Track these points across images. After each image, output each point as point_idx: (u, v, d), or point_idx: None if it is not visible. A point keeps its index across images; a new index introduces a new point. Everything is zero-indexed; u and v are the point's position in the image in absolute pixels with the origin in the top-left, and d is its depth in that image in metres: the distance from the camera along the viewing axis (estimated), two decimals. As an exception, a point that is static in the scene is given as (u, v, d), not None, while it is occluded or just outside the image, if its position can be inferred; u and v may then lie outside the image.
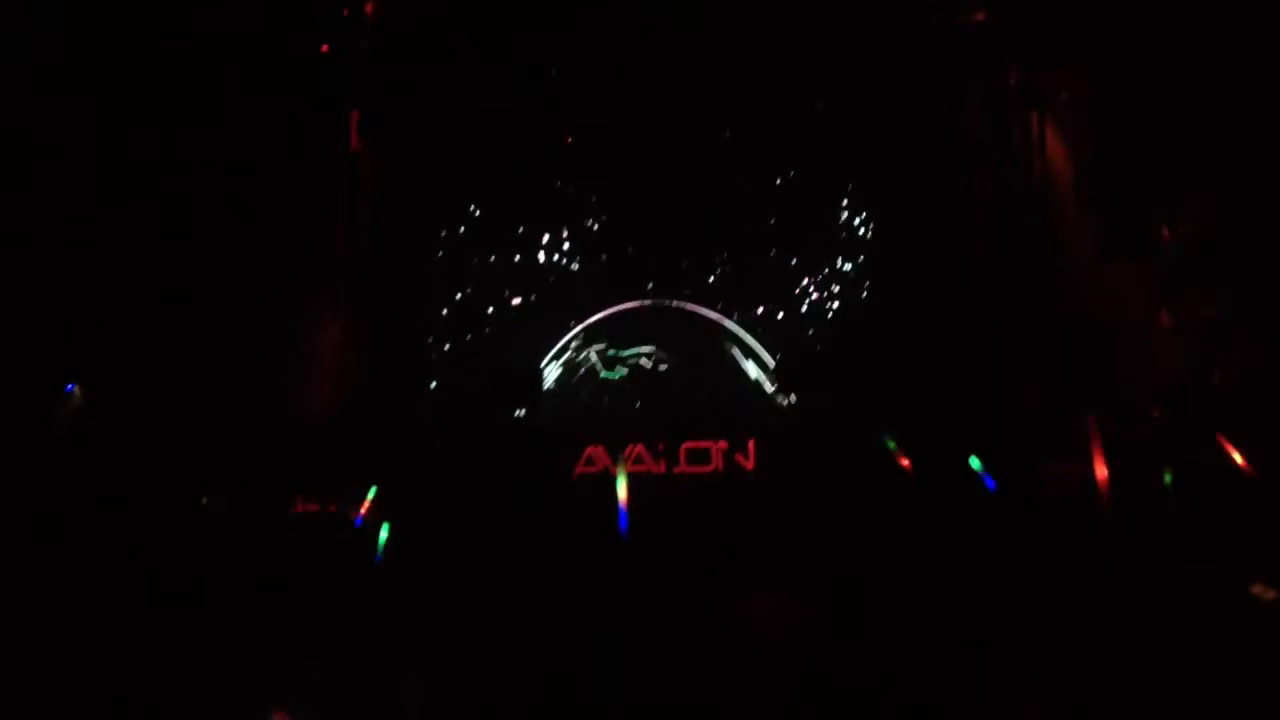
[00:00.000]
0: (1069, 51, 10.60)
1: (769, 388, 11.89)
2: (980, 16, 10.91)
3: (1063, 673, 6.42)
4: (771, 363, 11.94)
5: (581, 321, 12.24)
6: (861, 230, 12.25)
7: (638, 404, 12.05)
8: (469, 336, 12.22)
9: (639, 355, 12.23)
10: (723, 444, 10.65)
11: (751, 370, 12.07)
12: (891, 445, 9.89)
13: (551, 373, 12.15)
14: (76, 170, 9.60)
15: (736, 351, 12.14)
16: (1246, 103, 9.08)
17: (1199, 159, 9.44)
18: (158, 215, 10.01)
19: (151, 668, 7.04)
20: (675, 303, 12.12)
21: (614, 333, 12.20)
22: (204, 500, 9.25)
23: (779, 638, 7.21)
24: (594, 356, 12.22)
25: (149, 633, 7.41)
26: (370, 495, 9.62)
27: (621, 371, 12.14)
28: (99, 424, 9.39)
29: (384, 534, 9.22)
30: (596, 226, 12.41)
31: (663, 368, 12.19)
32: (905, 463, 9.77)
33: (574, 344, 12.25)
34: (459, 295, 12.28)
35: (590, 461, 10.63)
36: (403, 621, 8.00)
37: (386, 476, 9.78)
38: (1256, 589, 6.12)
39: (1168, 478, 8.16)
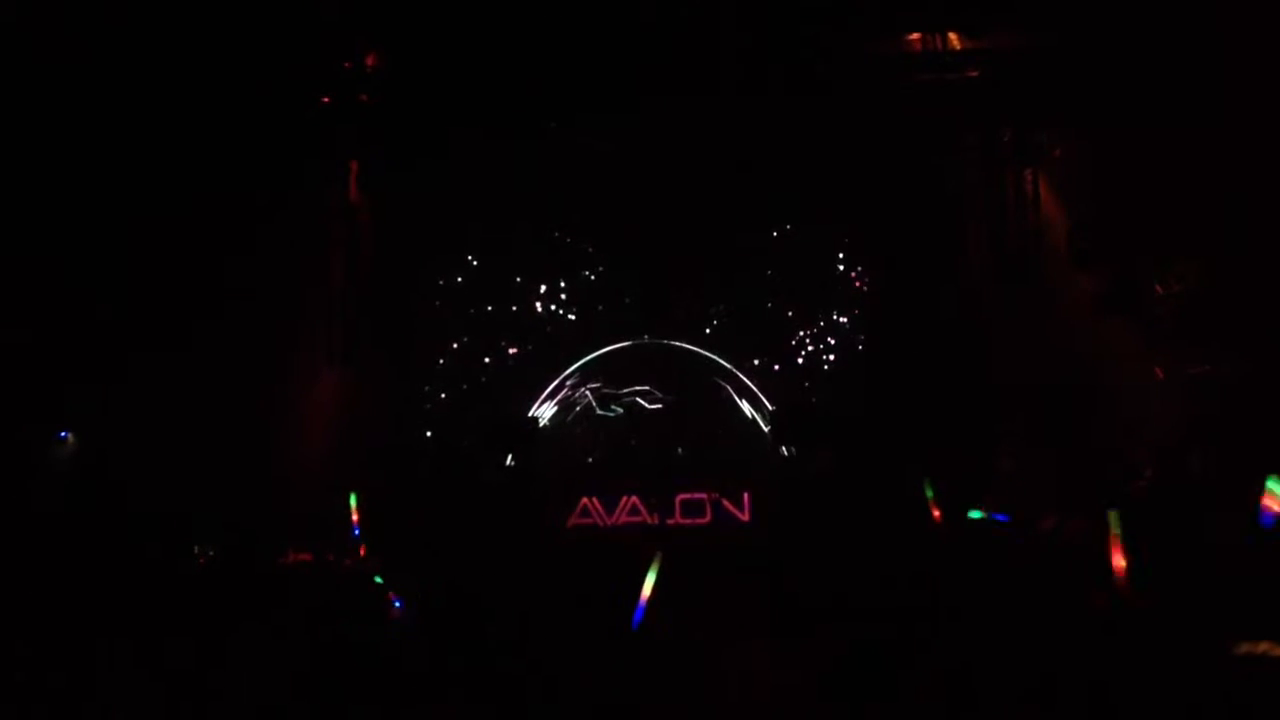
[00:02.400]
0: (1062, 110, 10.68)
1: (765, 427, 11.87)
2: (974, 74, 11.00)
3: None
4: (766, 403, 11.94)
5: (578, 370, 12.27)
6: (858, 284, 12.31)
7: (632, 442, 12.00)
8: (465, 386, 12.26)
9: (634, 393, 12.23)
10: (716, 497, 10.64)
11: (747, 409, 12.06)
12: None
13: (547, 411, 12.15)
14: (76, 216, 9.65)
15: (731, 391, 12.14)
16: (1237, 162, 9.13)
17: (1191, 216, 9.49)
18: (157, 267, 10.06)
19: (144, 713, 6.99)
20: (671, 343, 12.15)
21: (610, 372, 12.21)
22: (196, 549, 9.22)
23: (776, 694, 7.17)
24: (589, 395, 12.24)
25: (142, 677, 7.36)
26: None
27: (617, 410, 12.14)
28: (91, 470, 9.39)
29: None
30: (593, 277, 12.47)
31: (658, 406, 12.18)
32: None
33: (570, 382, 12.26)
34: (456, 345, 12.32)
35: (585, 513, 10.63)
36: (398, 668, 7.95)
37: (381, 526, 9.75)
38: (1264, 647, 6.08)
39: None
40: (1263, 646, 6.12)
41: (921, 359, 11.32)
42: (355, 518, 9.68)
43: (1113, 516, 7.57)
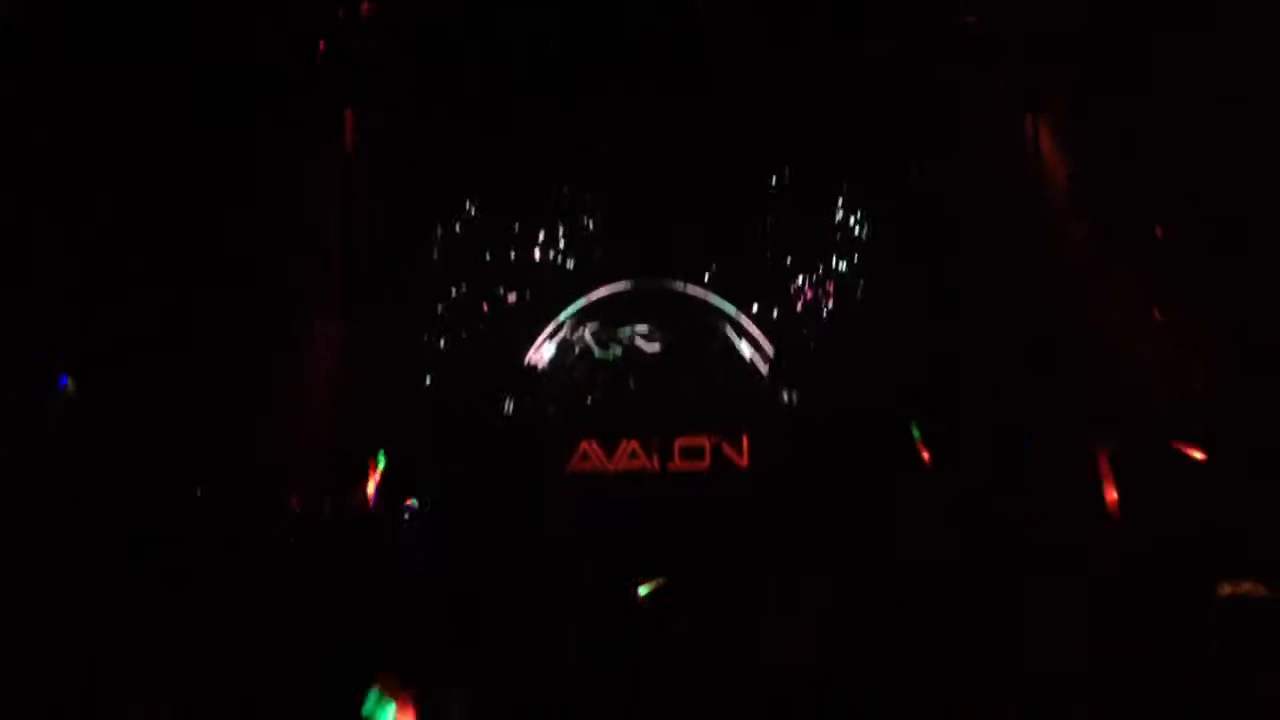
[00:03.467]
0: (1063, 54, 10.62)
1: (763, 369, 11.85)
2: (973, 20, 10.94)
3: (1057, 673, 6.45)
4: (767, 345, 11.92)
5: (577, 311, 12.25)
6: (857, 230, 12.28)
7: (631, 384, 11.98)
8: (464, 333, 12.25)
9: (633, 335, 12.21)
10: (716, 440, 10.66)
11: (746, 351, 12.05)
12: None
13: (546, 353, 12.12)
14: (76, 168, 9.60)
15: (731, 332, 12.13)
16: (1239, 104, 9.10)
17: (1192, 159, 9.46)
18: (156, 214, 10.02)
19: (145, 658, 7.03)
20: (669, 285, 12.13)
21: (608, 313, 12.19)
22: (198, 493, 9.24)
23: (780, 635, 7.21)
24: (588, 336, 12.22)
25: (144, 623, 7.40)
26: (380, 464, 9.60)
27: (616, 351, 12.12)
28: (93, 417, 9.39)
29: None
30: (592, 224, 12.45)
31: (656, 348, 12.16)
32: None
33: (568, 323, 12.24)
34: (454, 292, 12.30)
35: (585, 457, 10.65)
36: (398, 617, 8.00)
37: (382, 473, 9.77)
38: (1248, 586, 6.11)
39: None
40: (1246, 586, 6.15)
41: (920, 305, 11.31)
42: (376, 478, 9.68)
43: None
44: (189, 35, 10.02)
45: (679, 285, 12.15)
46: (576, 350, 12.10)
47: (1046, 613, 7.16)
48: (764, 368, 11.91)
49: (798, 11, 10.87)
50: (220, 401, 9.89)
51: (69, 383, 9.74)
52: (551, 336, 12.13)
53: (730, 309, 12.10)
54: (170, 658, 6.96)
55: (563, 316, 12.12)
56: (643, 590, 7.34)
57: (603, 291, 12.19)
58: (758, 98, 11.62)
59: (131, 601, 7.54)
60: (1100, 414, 9.24)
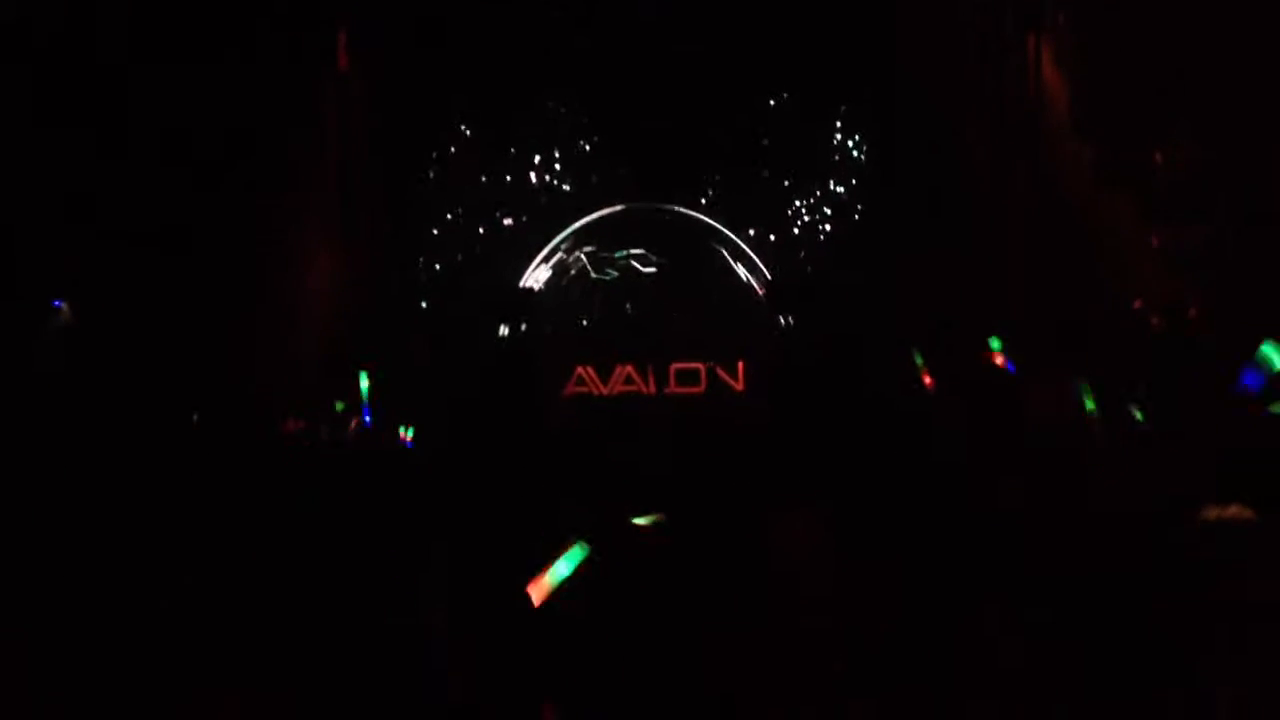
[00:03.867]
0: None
1: (760, 293, 11.81)
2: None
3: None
4: (764, 269, 11.87)
5: (572, 235, 12.20)
6: (856, 153, 12.19)
7: (628, 307, 11.95)
8: (460, 257, 12.21)
9: (629, 257, 12.17)
10: (712, 365, 10.66)
11: (743, 274, 12.01)
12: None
13: (541, 275, 12.08)
14: (67, 93, 9.51)
15: (728, 256, 12.08)
16: (1242, 28, 8.98)
17: (1195, 85, 9.36)
18: (149, 137, 9.93)
19: (140, 589, 7.06)
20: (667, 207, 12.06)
21: (605, 236, 12.14)
22: (194, 417, 9.26)
23: (778, 560, 7.24)
24: (584, 258, 12.17)
25: (139, 553, 7.43)
26: (364, 385, 9.62)
27: (612, 273, 12.08)
28: (88, 341, 9.39)
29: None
30: (588, 148, 12.35)
31: (653, 271, 12.11)
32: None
33: (564, 246, 12.19)
34: (450, 216, 12.25)
35: (580, 381, 10.66)
36: (395, 546, 8.03)
37: (378, 394, 9.80)
38: (1233, 511, 6.12)
39: (1139, 414, 8.17)
40: (1231, 510, 6.17)
41: (919, 230, 11.25)
42: (365, 398, 9.71)
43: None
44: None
45: (676, 208, 12.05)
46: (572, 273, 12.04)
47: (1044, 532, 7.19)
48: (761, 292, 11.85)
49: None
50: (215, 326, 9.88)
51: (64, 306, 9.73)
52: (547, 260, 12.07)
53: (727, 232, 12.02)
54: (173, 588, 7.00)
55: (558, 240, 12.04)
56: (640, 521, 7.36)
57: (599, 214, 12.09)
58: (756, 17, 11.49)
59: (131, 530, 7.57)
60: (1097, 343, 9.24)
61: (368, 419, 9.79)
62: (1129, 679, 5.70)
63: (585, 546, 6.18)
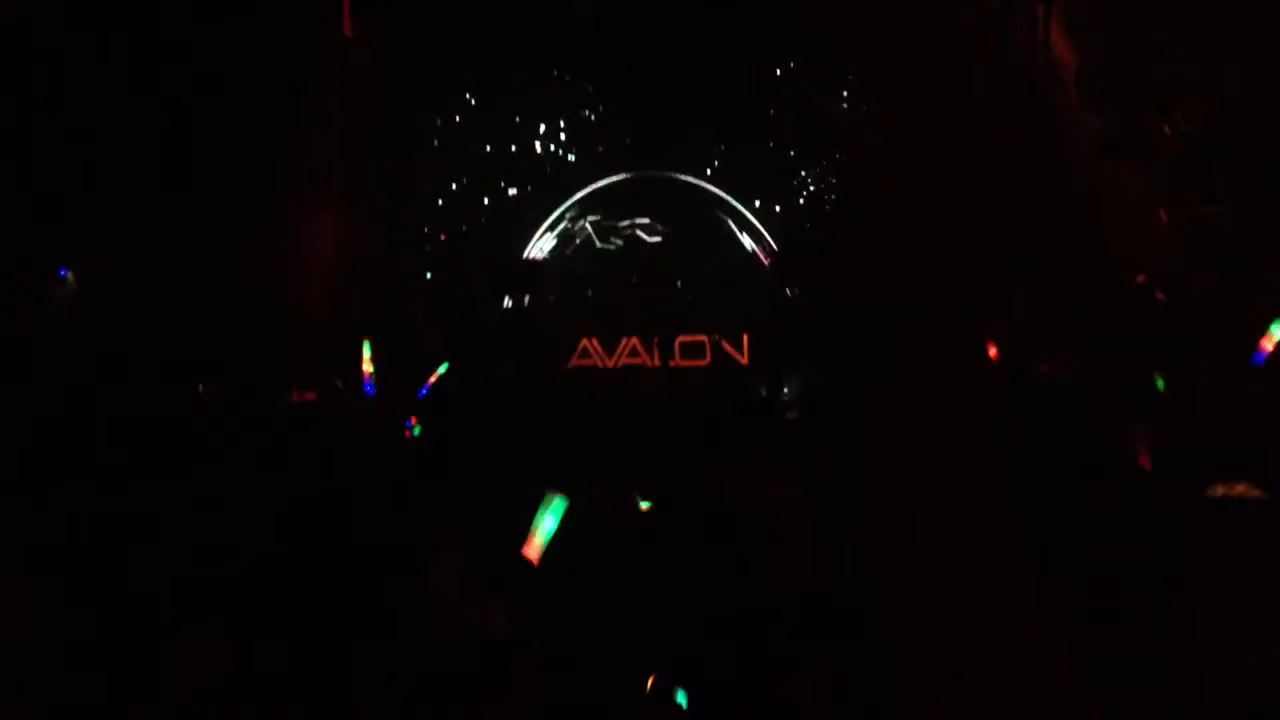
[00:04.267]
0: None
1: (766, 264, 11.76)
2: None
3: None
4: (770, 241, 11.80)
5: (577, 203, 12.15)
6: (864, 123, 12.09)
7: (633, 279, 11.91)
8: (464, 227, 12.17)
9: (634, 226, 12.12)
10: (717, 338, 10.64)
11: (748, 243, 11.96)
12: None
13: (545, 244, 12.04)
14: (68, 60, 9.44)
15: (734, 226, 12.03)
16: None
17: (1201, 57, 9.32)
18: (149, 104, 9.88)
19: (146, 561, 7.07)
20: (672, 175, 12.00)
21: (609, 206, 12.09)
22: (201, 388, 9.26)
23: (780, 535, 7.25)
24: (589, 227, 12.12)
25: (145, 524, 7.43)
26: (366, 353, 9.61)
27: (617, 243, 12.04)
28: (92, 310, 9.37)
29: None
30: (593, 116, 12.28)
31: (658, 240, 12.06)
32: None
33: (569, 215, 12.14)
34: (454, 185, 12.19)
35: (585, 354, 10.65)
36: (400, 511, 8.05)
37: (381, 364, 9.79)
38: (1240, 489, 6.14)
39: (1160, 383, 8.16)
40: (1239, 488, 6.18)
41: (926, 200, 11.18)
42: (368, 369, 9.70)
43: None
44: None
45: (681, 177, 11.98)
46: (577, 243, 11.99)
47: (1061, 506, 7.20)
48: (767, 262, 11.80)
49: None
50: (215, 294, 9.86)
51: (69, 274, 9.71)
52: (551, 229, 12.02)
53: (733, 201, 11.95)
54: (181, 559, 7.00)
55: (563, 209, 11.99)
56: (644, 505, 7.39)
57: (603, 183, 12.02)
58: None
59: (139, 498, 7.58)
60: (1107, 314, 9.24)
61: (370, 390, 9.79)
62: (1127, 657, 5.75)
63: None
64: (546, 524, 6.33)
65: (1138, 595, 6.13)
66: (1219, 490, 6.32)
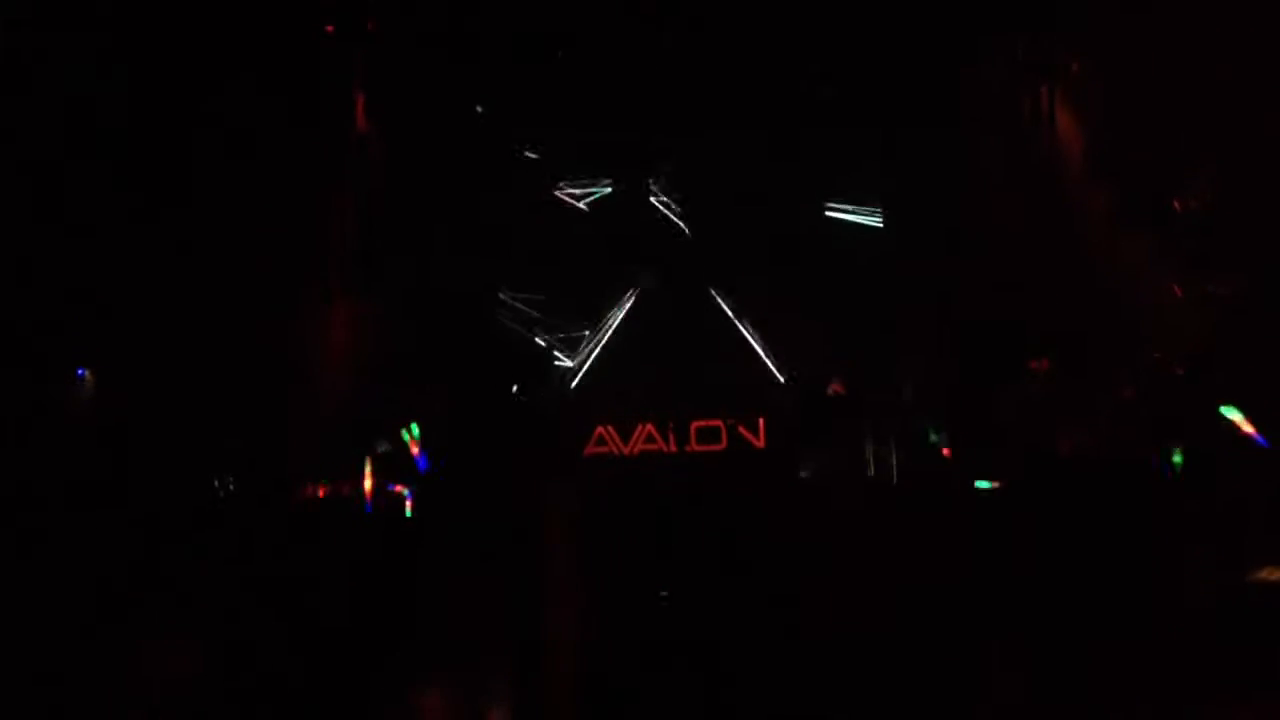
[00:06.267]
0: (1079, 23, 10.52)
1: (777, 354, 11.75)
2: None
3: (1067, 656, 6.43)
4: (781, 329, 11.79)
5: (591, 304, 12.21)
6: (869, 218, 12.07)
7: (647, 368, 11.88)
8: (480, 317, 12.19)
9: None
10: (733, 422, 10.60)
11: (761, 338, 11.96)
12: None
13: (561, 339, 12.05)
14: (86, 159, 9.61)
15: (747, 324, 12.04)
16: (1259, 76, 9.00)
17: (1211, 132, 9.37)
18: (165, 202, 10.03)
19: (159, 651, 7.07)
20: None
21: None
22: (216, 484, 9.28)
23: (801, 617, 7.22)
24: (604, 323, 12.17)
25: (160, 616, 7.44)
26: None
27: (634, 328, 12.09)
28: (109, 409, 9.43)
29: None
30: (605, 221, 12.32)
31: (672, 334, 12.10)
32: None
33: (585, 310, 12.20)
34: (469, 278, 12.25)
35: (601, 441, 10.62)
36: (418, 603, 8.02)
37: (394, 459, 9.81)
38: (1267, 573, 6.06)
39: (1178, 457, 8.12)
40: (1265, 572, 6.11)
41: (936, 284, 11.19)
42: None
43: None
44: (194, 17, 10.01)
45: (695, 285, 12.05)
46: (589, 338, 12.05)
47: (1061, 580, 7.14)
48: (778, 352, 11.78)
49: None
50: (229, 390, 9.92)
51: (86, 374, 9.79)
52: (567, 322, 12.08)
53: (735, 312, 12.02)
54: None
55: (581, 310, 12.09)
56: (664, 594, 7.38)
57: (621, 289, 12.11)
58: (760, 78, 11.47)
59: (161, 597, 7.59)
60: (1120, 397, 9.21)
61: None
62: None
63: None
64: None
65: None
66: (1268, 574, 6.24)
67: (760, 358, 11.80)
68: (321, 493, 9.47)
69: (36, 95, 9.38)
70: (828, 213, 11.91)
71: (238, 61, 10.32)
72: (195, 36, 10.10)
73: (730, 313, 11.96)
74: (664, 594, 7.37)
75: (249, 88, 10.41)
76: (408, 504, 9.39)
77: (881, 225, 11.84)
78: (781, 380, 11.46)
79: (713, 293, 12.04)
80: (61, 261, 9.34)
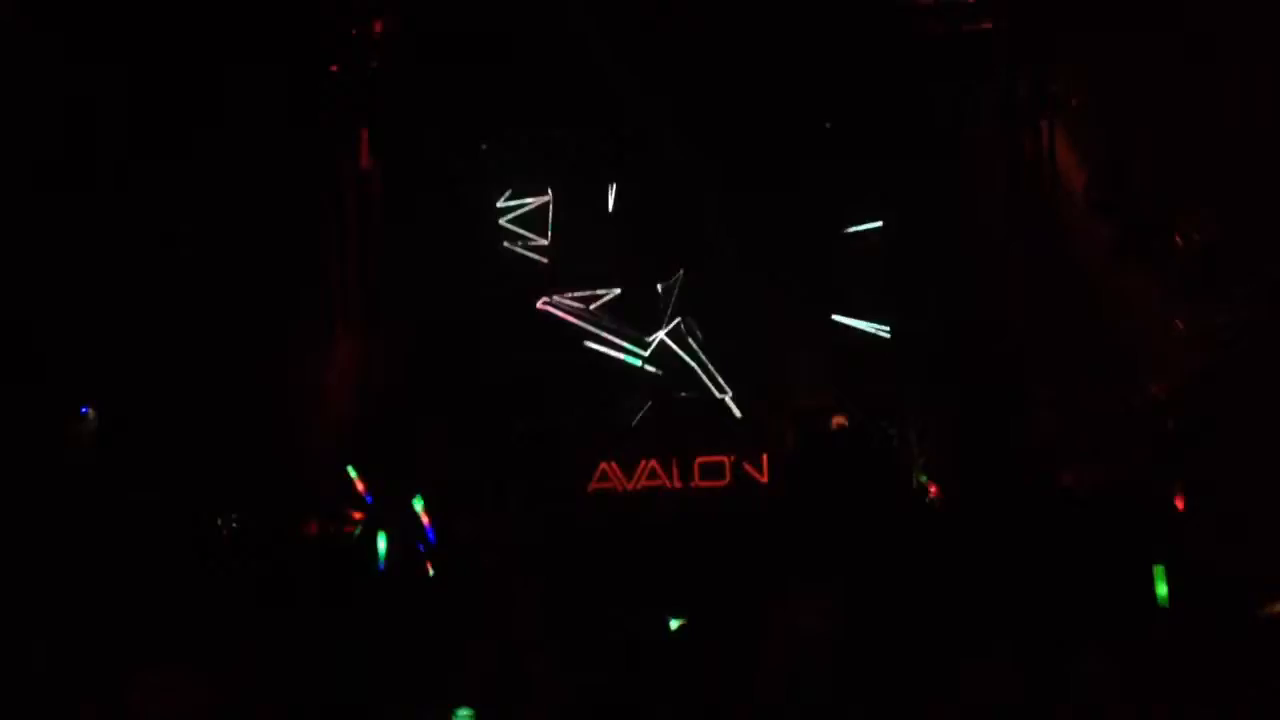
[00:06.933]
0: (1078, 57, 10.57)
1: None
2: (988, 25, 10.90)
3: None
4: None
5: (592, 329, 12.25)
6: (867, 252, 12.05)
7: (650, 406, 11.90)
8: (480, 353, 12.20)
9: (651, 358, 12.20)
10: (736, 458, 10.60)
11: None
12: (924, 479, 9.88)
13: (564, 373, 12.07)
14: (88, 193, 9.66)
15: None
16: (1258, 106, 9.03)
17: (1211, 163, 9.39)
18: (170, 238, 10.08)
19: (165, 689, 7.00)
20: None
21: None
22: (219, 521, 9.28)
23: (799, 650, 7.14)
24: (608, 356, 12.19)
25: (165, 653, 7.38)
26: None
27: (642, 356, 12.10)
28: (113, 446, 9.45)
29: (382, 544, 9.22)
30: (609, 259, 12.36)
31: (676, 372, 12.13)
32: (934, 490, 9.76)
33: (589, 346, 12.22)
34: (470, 313, 12.27)
35: (604, 477, 10.61)
36: (418, 639, 7.96)
37: (396, 494, 9.79)
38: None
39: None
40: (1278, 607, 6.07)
41: (935, 320, 11.21)
42: (360, 487, 9.74)
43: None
44: (199, 52, 10.08)
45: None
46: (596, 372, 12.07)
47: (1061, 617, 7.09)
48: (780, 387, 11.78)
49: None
50: (232, 425, 9.93)
51: (90, 411, 9.81)
52: (570, 356, 12.10)
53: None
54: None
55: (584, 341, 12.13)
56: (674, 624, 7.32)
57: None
58: (762, 116, 11.52)
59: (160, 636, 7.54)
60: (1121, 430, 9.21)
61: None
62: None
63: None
64: None
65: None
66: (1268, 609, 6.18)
67: (763, 392, 11.81)
68: (314, 529, 9.46)
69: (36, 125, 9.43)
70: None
71: (242, 96, 10.39)
72: (199, 70, 10.16)
73: (733, 346, 12.00)
74: (681, 623, 7.30)
75: (254, 123, 10.47)
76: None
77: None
78: (784, 414, 11.46)
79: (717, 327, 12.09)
80: (61, 296, 9.37)
